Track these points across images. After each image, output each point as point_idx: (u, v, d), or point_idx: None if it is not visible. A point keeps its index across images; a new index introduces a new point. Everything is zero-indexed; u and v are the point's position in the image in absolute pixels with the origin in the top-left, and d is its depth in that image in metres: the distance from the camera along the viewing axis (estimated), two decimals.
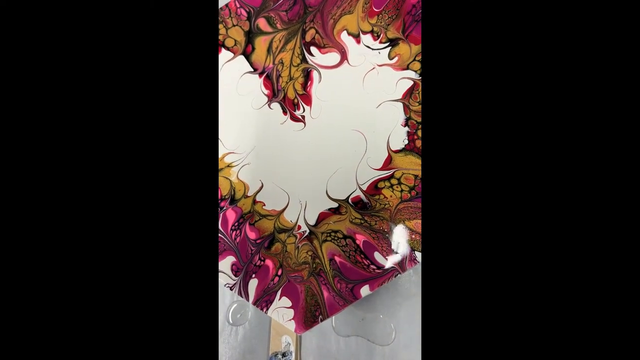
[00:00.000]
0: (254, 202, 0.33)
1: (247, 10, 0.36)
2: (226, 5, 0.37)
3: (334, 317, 0.35)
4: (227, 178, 0.33)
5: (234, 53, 0.35)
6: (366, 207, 0.30)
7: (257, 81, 0.35)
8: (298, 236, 0.31)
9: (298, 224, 0.32)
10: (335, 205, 0.31)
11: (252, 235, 0.32)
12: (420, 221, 0.29)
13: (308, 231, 0.31)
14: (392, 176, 0.30)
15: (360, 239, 0.30)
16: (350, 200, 0.31)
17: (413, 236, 0.29)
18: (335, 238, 0.31)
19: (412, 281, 0.35)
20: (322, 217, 0.31)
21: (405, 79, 0.32)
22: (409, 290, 0.34)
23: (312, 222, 0.31)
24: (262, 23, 0.36)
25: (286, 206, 0.32)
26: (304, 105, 0.34)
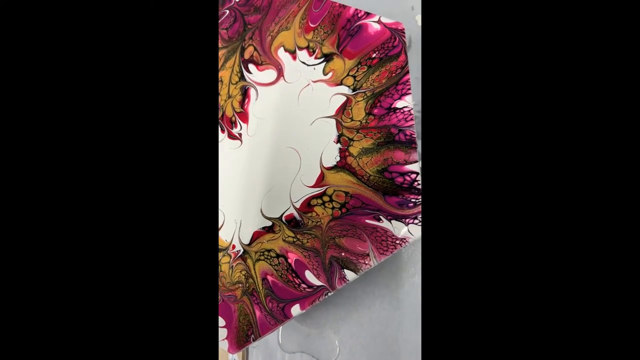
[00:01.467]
0: None
1: None
2: None
3: (280, 333, 0.35)
4: None
5: None
6: (299, 225, 0.30)
7: None
8: (232, 255, 0.31)
9: (233, 243, 0.32)
10: (269, 223, 0.31)
11: None
12: (350, 239, 0.29)
13: (242, 250, 0.31)
14: (324, 193, 0.30)
15: (292, 257, 0.30)
16: (283, 218, 0.31)
17: (342, 254, 0.29)
18: (268, 257, 0.31)
19: (353, 296, 0.34)
20: (256, 236, 0.31)
21: (339, 95, 0.32)
22: (351, 304, 0.34)
23: (246, 241, 0.31)
24: None
25: (222, 225, 0.32)
26: (241, 123, 0.34)
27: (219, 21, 0.37)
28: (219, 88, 0.35)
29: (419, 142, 0.30)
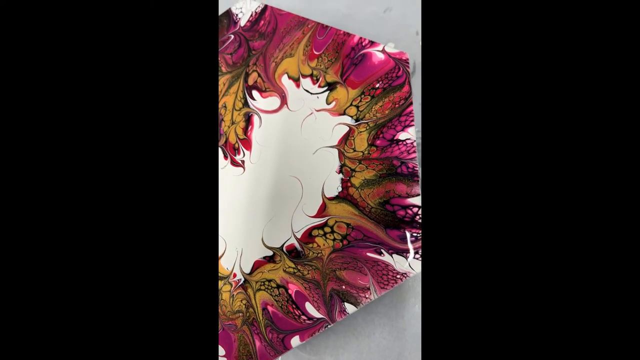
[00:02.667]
0: None
1: None
2: None
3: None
4: None
5: None
6: (300, 255, 0.30)
7: None
8: (233, 284, 0.31)
9: (234, 271, 0.32)
10: (270, 253, 0.31)
11: None
12: (351, 272, 0.29)
13: (243, 279, 0.31)
14: (325, 224, 0.30)
15: (292, 288, 0.30)
16: (284, 249, 0.31)
17: (343, 287, 0.29)
18: (269, 287, 0.31)
19: (353, 324, 0.34)
20: (257, 266, 0.31)
21: (342, 125, 0.32)
22: (351, 333, 0.34)
23: (247, 270, 0.31)
24: None
25: (223, 253, 0.32)
26: (244, 150, 0.34)
27: (224, 46, 0.37)
28: (223, 114, 0.35)
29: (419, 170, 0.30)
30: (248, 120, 0.34)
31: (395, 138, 0.30)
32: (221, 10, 0.43)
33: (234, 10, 0.38)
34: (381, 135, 0.30)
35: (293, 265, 0.31)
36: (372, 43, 0.33)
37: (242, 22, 0.37)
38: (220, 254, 0.32)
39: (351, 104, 0.32)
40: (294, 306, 0.30)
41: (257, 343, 0.30)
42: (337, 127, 0.32)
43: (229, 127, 0.35)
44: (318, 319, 0.29)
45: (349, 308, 0.28)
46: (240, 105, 0.35)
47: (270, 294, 0.31)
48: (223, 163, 0.34)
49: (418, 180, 0.29)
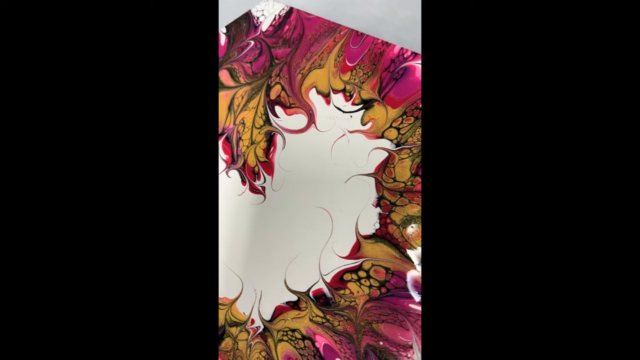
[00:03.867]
0: None
1: None
2: None
3: None
4: None
5: None
6: (329, 303, 0.26)
7: None
8: (251, 332, 0.27)
9: (252, 317, 0.28)
10: (294, 298, 0.27)
11: None
12: (390, 325, 0.25)
13: (262, 327, 0.27)
14: (360, 267, 0.26)
15: (320, 341, 0.26)
16: (311, 294, 0.27)
17: (381, 343, 0.25)
18: (293, 338, 0.26)
19: None
20: (278, 312, 0.27)
21: (379, 150, 0.27)
22: None
23: (267, 316, 0.27)
24: (224, 76, 0.32)
25: (239, 295, 0.28)
26: (265, 175, 0.30)
27: (242, 53, 0.32)
28: (241, 131, 0.31)
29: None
30: (270, 140, 0.30)
31: None
32: (221, 9, 0.39)
33: (254, 13, 0.34)
34: None
35: (321, 314, 0.26)
36: (415, 55, 0.28)
37: (264, 27, 0.33)
38: (235, 295, 0.28)
39: (391, 126, 0.28)
40: None
41: None
42: (374, 152, 0.28)
43: (247, 147, 0.30)
44: None
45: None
46: (261, 122, 0.31)
47: (294, 347, 0.26)
48: (241, 189, 0.30)
49: None
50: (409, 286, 0.25)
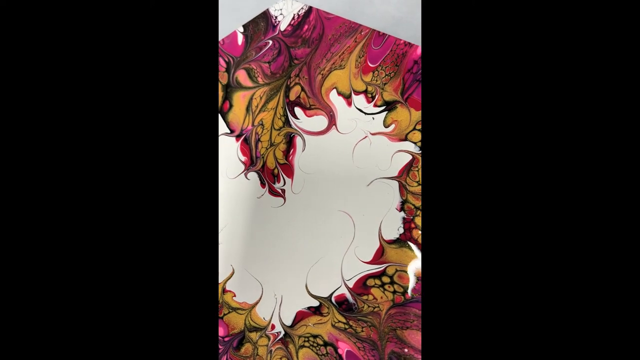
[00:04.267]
0: (224, 290, 0.28)
1: (227, 59, 0.32)
2: None
3: None
4: None
5: None
6: (352, 308, 0.26)
7: (233, 145, 0.30)
8: (271, 337, 0.27)
9: (272, 322, 0.27)
10: (315, 303, 0.26)
11: (220, 331, 0.28)
12: (415, 332, 0.24)
13: (283, 332, 0.27)
14: (383, 273, 0.26)
15: (343, 347, 0.25)
16: (333, 299, 0.26)
17: (405, 350, 0.24)
18: (314, 344, 0.26)
19: None
20: (299, 317, 0.27)
21: (403, 152, 0.27)
22: None
23: (288, 321, 0.27)
24: (241, 76, 0.31)
25: (259, 300, 0.28)
26: (285, 177, 0.29)
27: (260, 53, 0.32)
28: (260, 133, 0.30)
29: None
30: (290, 142, 0.30)
31: None
32: (238, 8, 0.39)
33: (272, 12, 0.33)
34: None
35: (344, 320, 0.26)
36: None
37: (282, 26, 0.32)
38: (255, 300, 0.28)
39: (414, 128, 0.27)
40: None
41: None
42: (397, 154, 0.27)
43: (267, 149, 0.30)
44: None
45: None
46: (281, 124, 0.30)
47: (316, 353, 0.26)
48: (260, 191, 0.29)
49: None
50: None
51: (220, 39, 0.33)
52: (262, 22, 0.33)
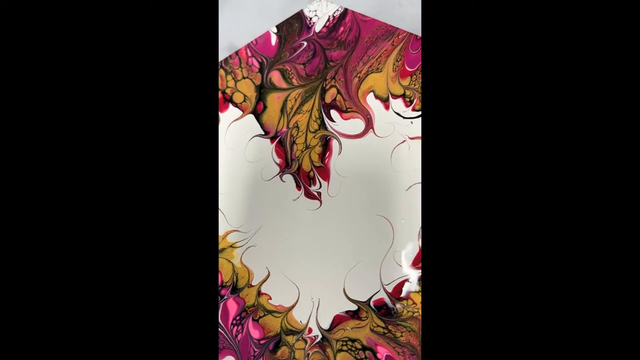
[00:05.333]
0: (259, 293, 0.28)
1: (260, 60, 0.32)
2: (236, 52, 0.32)
3: None
4: (229, 261, 0.29)
5: (243, 111, 0.31)
6: (391, 313, 0.26)
7: (268, 147, 0.30)
8: (309, 341, 0.27)
9: (309, 326, 0.27)
10: (354, 307, 0.26)
11: (255, 333, 0.28)
12: None
13: (320, 336, 0.27)
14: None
15: (382, 352, 0.25)
16: (372, 303, 0.26)
17: None
18: (353, 348, 0.26)
19: None
20: (337, 321, 0.27)
21: None
22: None
23: (325, 325, 0.27)
24: (275, 77, 0.31)
25: (296, 302, 0.28)
26: (321, 180, 0.29)
27: (295, 54, 0.32)
28: (295, 135, 0.30)
29: None
30: (326, 145, 0.30)
31: None
32: (271, 9, 0.38)
33: (306, 13, 0.33)
34: None
35: (383, 325, 0.26)
36: None
37: (317, 28, 0.32)
38: (292, 303, 0.28)
39: None
40: None
41: None
42: None
43: (302, 151, 0.30)
44: None
45: None
46: (316, 126, 0.30)
47: (355, 357, 0.26)
48: (295, 194, 0.29)
49: None
50: None
51: (252, 39, 0.33)
52: (297, 23, 0.33)
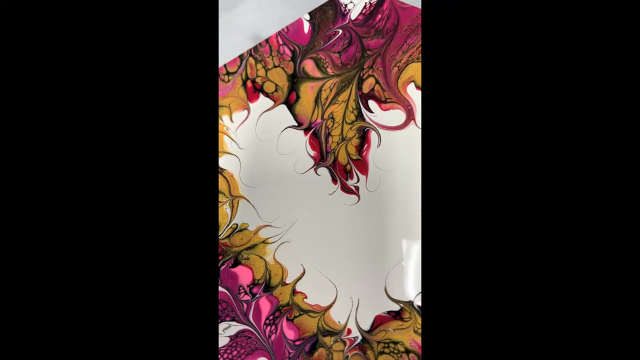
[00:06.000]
0: (294, 292, 0.27)
1: (292, 48, 0.30)
2: (266, 40, 0.31)
3: None
4: (261, 257, 0.28)
5: (275, 101, 0.30)
6: None
7: (302, 139, 0.29)
8: (348, 342, 0.26)
9: (348, 326, 0.26)
10: (396, 307, 0.25)
11: (290, 334, 0.26)
12: None
13: (360, 338, 0.25)
14: None
15: None
16: (415, 304, 0.25)
17: None
18: (395, 351, 0.25)
19: None
20: (378, 322, 0.25)
21: None
22: None
23: (365, 326, 0.26)
24: (309, 66, 0.30)
25: (333, 302, 0.26)
26: (359, 174, 0.28)
27: (330, 42, 0.30)
28: (330, 127, 0.29)
29: None
30: (363, 137, 0.28)
31: None
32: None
33: (341, 0, 0.31)
34: None
35: None
36: None
37: (353, 15, 0.31)
38: (329, 302, 0.27)
39: None
40: None
41: None
42: None
43: (338, 144, 0.28)
44: None
45: None
46: (353, 117, 0.29)
47: None
48: (331, 188, 0.28)
49: None
50: None
51: (283, 26, 0.32)
52: (330, 10, 0.32)
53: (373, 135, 0.28)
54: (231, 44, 0.32)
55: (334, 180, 0.28)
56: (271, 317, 0.27)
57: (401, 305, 0.25)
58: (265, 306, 0.27)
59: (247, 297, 0.27)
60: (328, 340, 0.26)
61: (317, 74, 0.30)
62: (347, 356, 0.26)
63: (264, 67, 0.30)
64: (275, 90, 0.30)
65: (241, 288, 0.28)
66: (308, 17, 0.31)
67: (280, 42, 0.31)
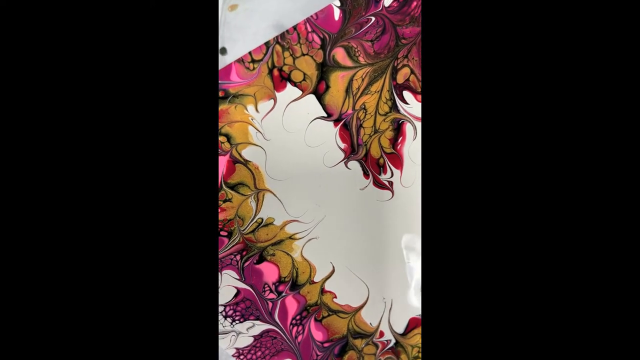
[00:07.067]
0: (322, 291, 0.26)
1: (321, 36, 0.29)
2: (294, 27, 0.29)
3: None
4: (288, 254, 0.26)
5: (303, 90, 0.28)
6: None
7: (331, 130, 0.28)
8: (380, 346, 0.24)
9: (380, 329, 0.25)
10: None
11: (318, 335, 0.25)
12: None
13: (394, 341, 0.24)
14: None
15: None
16: None
17: None
18: None
19: None
20: (413, 324, 0.24)
21: None
22: None
23: (399, 329, 0.24)
24: (339, 54, 0.29)
25: (365, 302, 0.25)
26: (393, 169, 0.26)
27: (361, 30, 0.29)
28: (362, 118, 0.27)
29: None
30: (398, 129, 0.27)
31: None
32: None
33: None
34: None
35: None
36: None
37: (387, 2, 0.29)
38: (360, 303, 0.25)
39: None
40: None
41: None
42: None
43: (370, 136, 0.27)
44: None
45: None
46: (387, 109, 0.27)
47: None
48: (363, 182, 0.27)
49: None
50: None
51: (312, 13, 0.30)
52: None
53: (408, 128, 0.27)
54: (252, 32, 0.31)
55: (366, 175, 0.27)
56: (298, 317, 0.26)
57: None
58: (292, 305, 0.26)
59: (272, 296, 0.26)
60: (359, 342, 0.25)
61: (348, 63, 0.29)
62: (380, 359, 0.24)
63: (291, 54, 0.29)
64: (304, 79, 0.29)
65: (266, 286, 0.26)
66: (338, 4, 0.30)
67: (309, 29, 0.29)
